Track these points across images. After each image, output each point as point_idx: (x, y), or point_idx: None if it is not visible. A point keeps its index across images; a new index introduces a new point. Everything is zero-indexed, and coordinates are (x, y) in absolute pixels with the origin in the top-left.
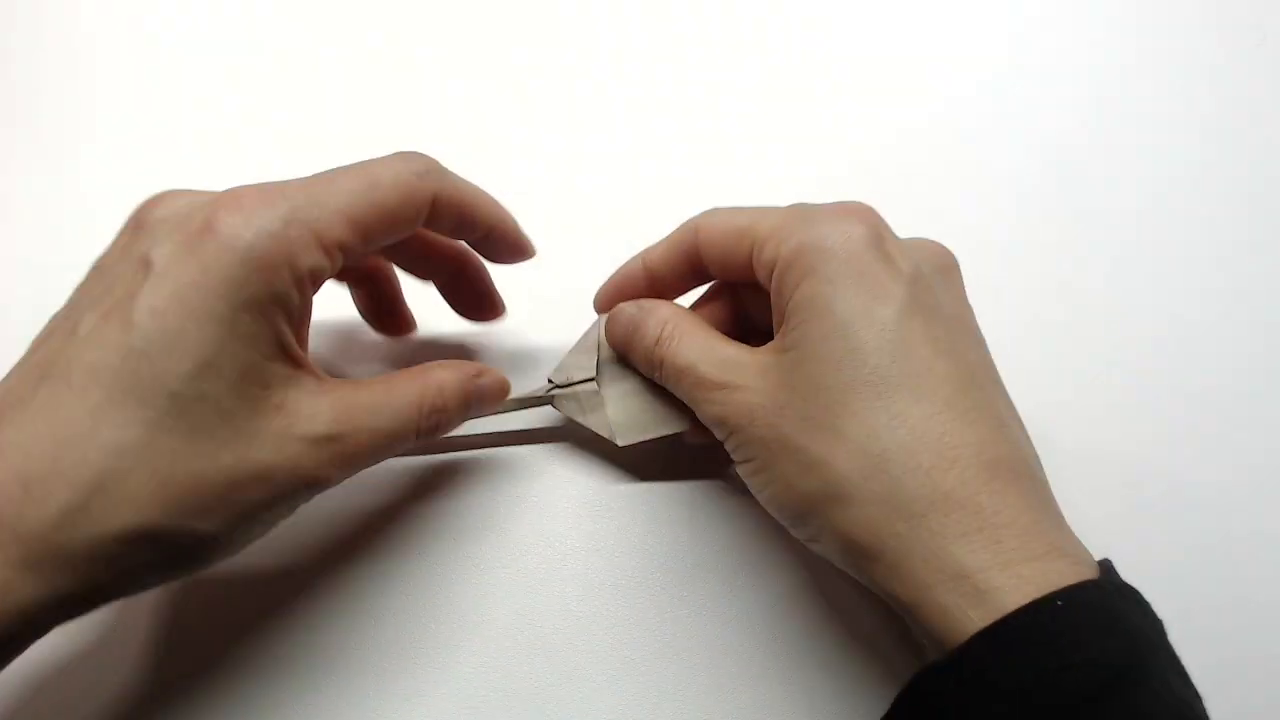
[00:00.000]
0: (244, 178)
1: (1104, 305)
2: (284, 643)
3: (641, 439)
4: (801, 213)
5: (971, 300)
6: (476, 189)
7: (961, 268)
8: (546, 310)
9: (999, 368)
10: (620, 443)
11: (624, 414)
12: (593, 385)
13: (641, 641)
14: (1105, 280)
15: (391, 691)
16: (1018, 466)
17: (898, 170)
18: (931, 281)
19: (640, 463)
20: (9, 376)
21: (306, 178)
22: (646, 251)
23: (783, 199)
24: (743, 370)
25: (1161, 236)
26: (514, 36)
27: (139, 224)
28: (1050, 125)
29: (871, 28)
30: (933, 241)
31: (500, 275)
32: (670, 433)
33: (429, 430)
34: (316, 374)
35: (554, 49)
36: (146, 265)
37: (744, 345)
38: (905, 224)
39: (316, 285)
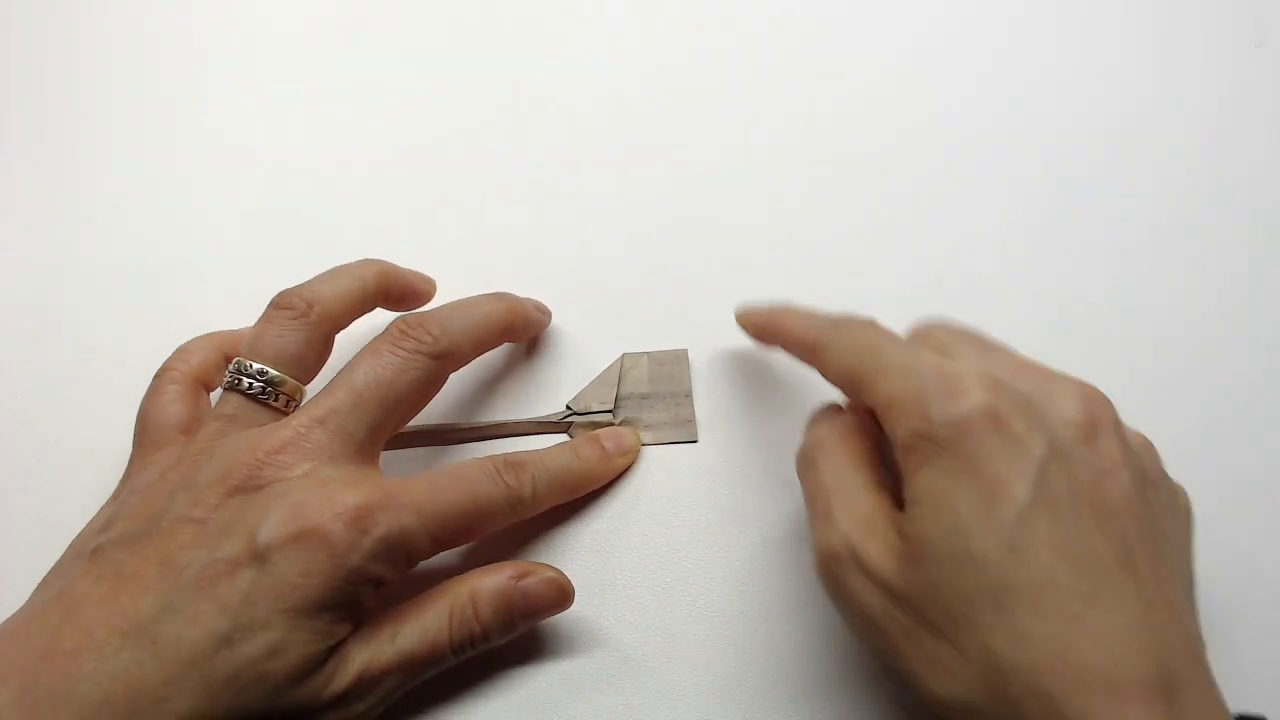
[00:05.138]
0: (245, 177)
1: (1102, 308)
2: None
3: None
4: (916, 383)
5: (963, 302)
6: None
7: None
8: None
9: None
10: None
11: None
12: (609, 417)
13: (641, 641)
14: (1103, 281)
15: None
16: (1154, 683)
17: (897, 173)
18: (1067, 464)
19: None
20: (88, 589)
21: (420, 483)
22: (783, 317)
23: (785, 203)
24: (871, 542)
25: (1159, 237)
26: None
27: (243, 489)
28: (1048, 125)
29: (870, 29)
30: (1072, 390)
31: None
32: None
33: (463, 646)
34: (366, 616)
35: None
36: (255, 552)
37: (884, 497)
38: (900, 226)
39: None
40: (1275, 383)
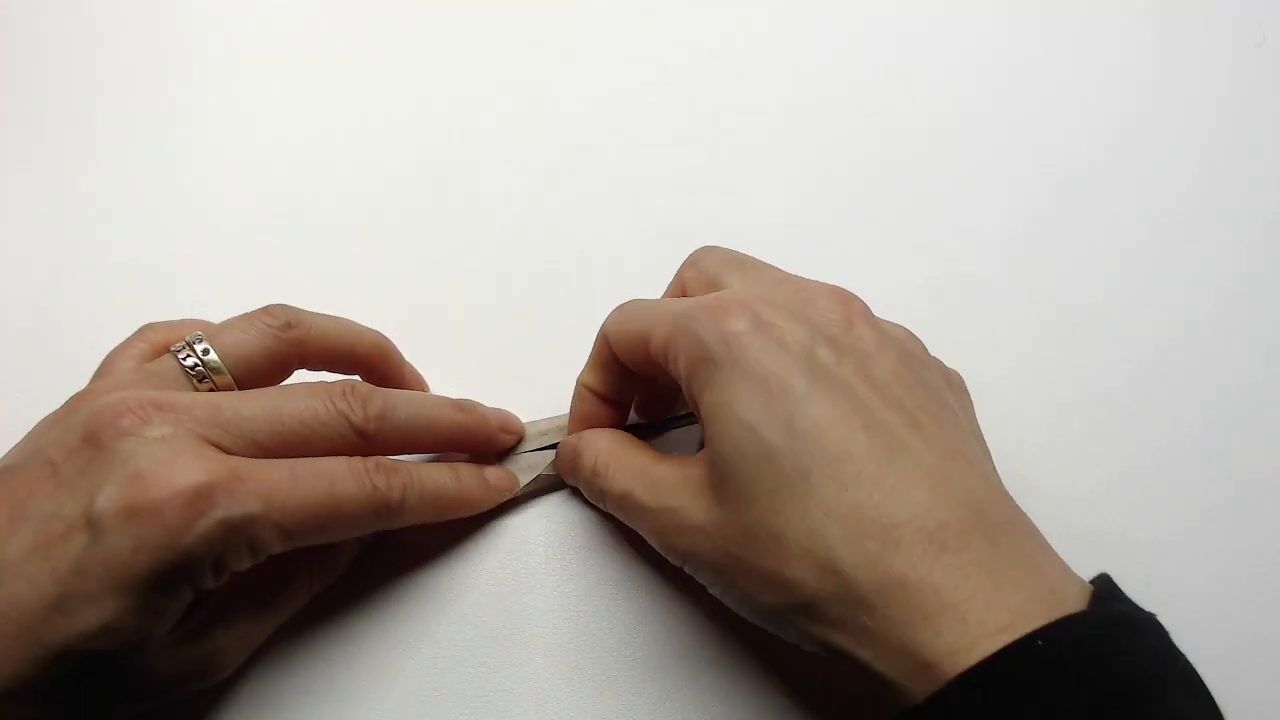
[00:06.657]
0: (242, 177)
1: (1101, 308)
2: (284, 641)
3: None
4: (685, 320)
5: (963, 303)
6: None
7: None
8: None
9: (993, 371)
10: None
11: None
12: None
13: (642, 641)
14: (1103, 281)
15: (391, 691)
16: (968, 525)
17: (896, 174)
18: (834, 349)
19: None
20: None
21: (279, 471)
22: (581, 374)
23: (783, 204)
24: (677, 491)
25: (1159, 237)
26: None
27: (96, 439)
28: (1047, 125)
29: (870, 30)
30: (825, 292)
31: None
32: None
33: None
34: (215, 596)
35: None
36: (89, 519)
37: (679, 460)
38: (900, 228)
39: (239, 570)
40: (1275, 383)
